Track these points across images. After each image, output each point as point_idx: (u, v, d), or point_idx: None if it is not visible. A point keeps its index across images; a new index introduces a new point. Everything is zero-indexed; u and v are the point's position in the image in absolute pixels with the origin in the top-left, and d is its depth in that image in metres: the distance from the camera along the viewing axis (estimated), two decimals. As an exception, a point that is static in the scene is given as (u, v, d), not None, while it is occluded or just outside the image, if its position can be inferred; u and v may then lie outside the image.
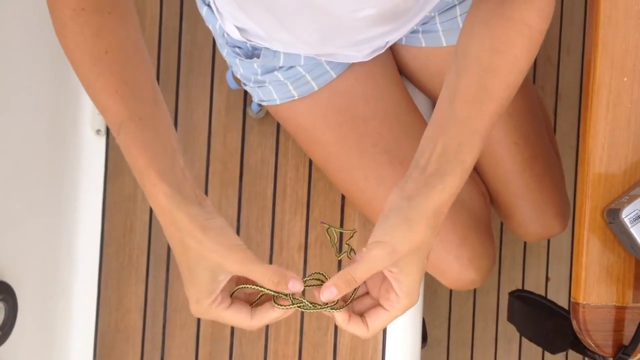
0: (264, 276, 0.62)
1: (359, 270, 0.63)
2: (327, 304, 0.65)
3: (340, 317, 0.65)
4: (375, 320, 0.65)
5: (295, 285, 0.63)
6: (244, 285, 0.66)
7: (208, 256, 0.62)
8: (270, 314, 0.65)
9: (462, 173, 0.66)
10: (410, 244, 0.63)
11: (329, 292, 0.62)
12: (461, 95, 0.68)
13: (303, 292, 0.65)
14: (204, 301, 0.64)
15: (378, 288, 0.67)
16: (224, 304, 0.64)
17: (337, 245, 0.69)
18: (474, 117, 0.67)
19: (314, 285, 0.66)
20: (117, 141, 0.66)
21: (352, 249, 0.73)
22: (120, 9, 0.67)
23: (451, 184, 0.65)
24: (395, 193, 0.67)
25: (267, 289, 0.65)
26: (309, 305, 0.65)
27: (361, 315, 0.66)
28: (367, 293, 0.68)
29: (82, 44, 0.65)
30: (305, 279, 0.66)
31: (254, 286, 0.65)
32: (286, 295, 0.65)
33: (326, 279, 0.66)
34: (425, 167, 0.66)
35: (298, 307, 0.65)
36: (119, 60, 0.66)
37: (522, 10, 0.68)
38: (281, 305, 0.65)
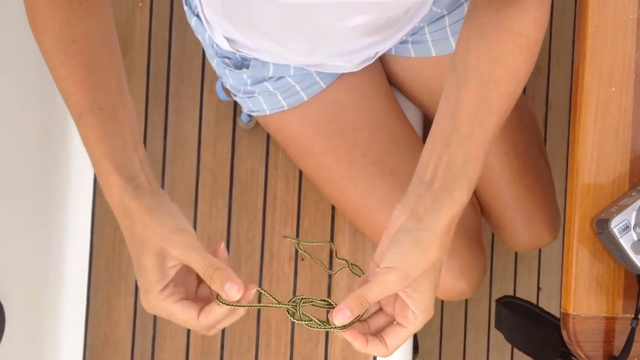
0: (199, 265, 0.61)
1: (372, 293, 0.62)
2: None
3: (358, 344, 0.64)
4: (394, 338, 0.65)
5: (231, 290, 0.61)
6: (223, 302, 0.64)
7: (152, 239, 0.62)
8: (217, 310, 0.63)
9: (469, 188, 0.66)
10: (422, 266, 0.63)
11: (342, 315, 0.62)
12: (463, 109, 0.67)
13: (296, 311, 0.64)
14: (153, 289, 0.62)
15: (392, 305, 0.66)
16: (173, 296, 0.63)
17: (307, 254, 0.69)
18: (477, 132, 0.67)
19: (320, 306, 0.66)
20: (78, 131, 0.66)
21: (353, 264, 0.73)
22: (93, 0, 0.67)
23: (459, 200, 0.65)
24: (400, 211, 0.66)
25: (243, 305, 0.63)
26: (318, 323, 0.65)
27: (377, 333, 0.66)
28: (381, 309, 0.68)
29: (51, 31, 0.66)
30: (312, 300, 0.65)
31: (233, 304, 0.63)
32: (293, 313, 0.64)
33: (324, 302, 0.66)
34: (430, 183, 0.66)
35: (307, 325, 0.64)
36: (85, 49, 0.66)
37: (519, 21, 0.68)
38: (224, 303, 0.63)
